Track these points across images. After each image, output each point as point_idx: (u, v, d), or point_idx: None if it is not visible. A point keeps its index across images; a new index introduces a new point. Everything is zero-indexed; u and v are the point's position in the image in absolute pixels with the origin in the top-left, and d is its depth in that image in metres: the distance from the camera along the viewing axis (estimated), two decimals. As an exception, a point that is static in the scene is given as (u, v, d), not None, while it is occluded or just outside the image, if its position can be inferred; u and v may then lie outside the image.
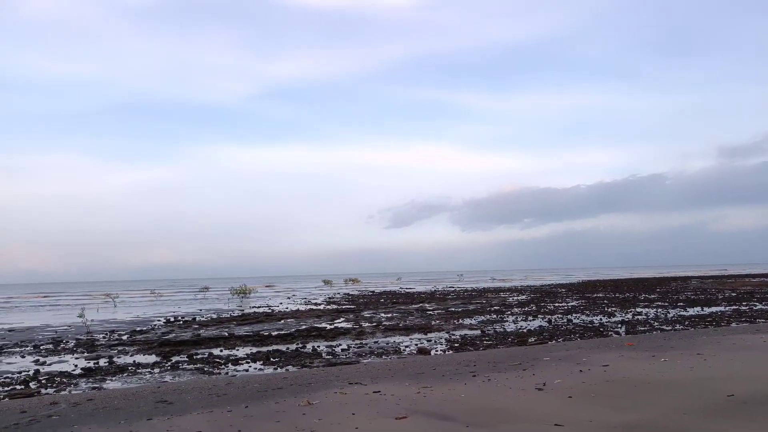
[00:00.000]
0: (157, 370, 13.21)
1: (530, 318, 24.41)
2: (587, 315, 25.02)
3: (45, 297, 72.53)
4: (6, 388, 11.46)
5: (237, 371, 12.86)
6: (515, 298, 41.25)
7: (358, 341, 17.83)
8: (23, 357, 16.43)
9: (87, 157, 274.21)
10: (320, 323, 24.43)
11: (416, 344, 16.71)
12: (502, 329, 20.19)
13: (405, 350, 15.57)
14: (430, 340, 17.62)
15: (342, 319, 26.32)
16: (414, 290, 61.91)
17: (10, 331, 25.35)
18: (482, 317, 25.35)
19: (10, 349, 18.20)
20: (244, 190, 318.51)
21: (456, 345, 16.31)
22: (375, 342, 17.55)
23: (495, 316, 25.95)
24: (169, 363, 14.25)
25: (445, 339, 17.78)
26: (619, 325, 20.27)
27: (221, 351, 16.36)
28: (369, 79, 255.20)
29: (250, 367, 13.47)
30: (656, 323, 20.74)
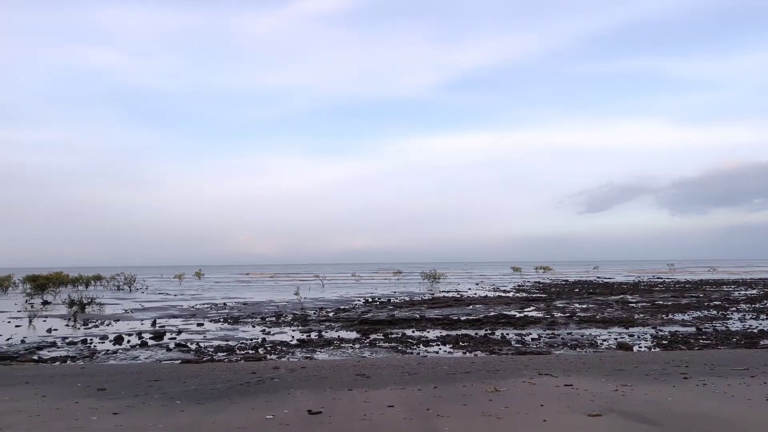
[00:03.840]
0: (357, 346, 14.51)
1: (763, 317, 20.60)
2: None
3: (270, 277, 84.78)
4: (242, 352, 13.77)
5: (427, 352, 13.43)
6: (742, 292, 35.16)
7: (549, 331, 17.14)
8: (254, 327, 19.49)
9: (297, 155, 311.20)
10: (509, 311, 24.07)
11: (615, 338, 15.42)
12: (723, 327, 17.44)
13: (602, 344, 14.48)
14: (632, 335, 16.08)
15: (532, 308, 25.55)
16: (613, 280, 56.98)
17: (244, 304, 30.29)
18: (698, 313, 22.21)
19: (244, 320, 21.78)
20: (433, 179, 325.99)
21: (664, 342, 14.62)
22: (568, 333, 16.67)
23: (715, 312, 22.52)
24: (367, 340, 15.53)
25: (651, 335, 16.04)
26: None
27: (413, 332, 17.23)
28: (556, 57, 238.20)
29: (439, 349, 13.95)
30: None
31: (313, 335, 16.74)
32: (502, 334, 16.54)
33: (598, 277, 64.93)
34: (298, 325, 19.52)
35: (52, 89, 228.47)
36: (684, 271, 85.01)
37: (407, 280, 61.86)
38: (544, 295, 34.24)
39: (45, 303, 31.86)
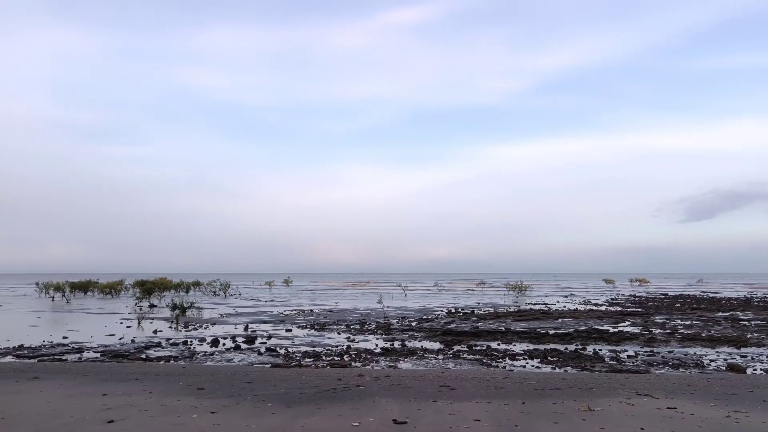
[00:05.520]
0: (440, 357, 14.37)
1: None
2: None
3: (353, 285, 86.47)
4: (328, 358, 14.11)
5: (514, 366, 13.01)
6: None
7: (647, 348, 16.00)
8: (339, 334, 19.92)
9: (379, 164, 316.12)
10: (602, 325, 22.77)
11: (725, 359, 14.08)
12: None
13: (709, 365, 13.28)
14: (744, 356, 14.61)
15: (627, 323, 23.99)
16: (721, 295, 52.19)
17: (330, 311, 31.07)
18: (825, 334, 19.72)
19: (330, 326, 22.33)
20: (517, 186, 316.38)
21: (784, 365, 13.13)
22: (669, 351, 15.46)
23: None
24: (451, 351, 15.33)
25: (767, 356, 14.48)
26: None
27: (498, 345, 16.78)
28: (654, 54, 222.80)
29: (526, 363, 13.47)
30: None
31: (397, 344, 16.79)
32: (594, 349, 15.68)
33: (702, 292, 59.77)
34: (382, 334, 19.69)
35: (150, 107, 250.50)
36: (806, 287, 76.08)
37: (491, 291, 60.50)
38: (640, 310, 32.05)
39: (152, 306, 34.60)
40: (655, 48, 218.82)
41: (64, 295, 44.92)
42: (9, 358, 13.85)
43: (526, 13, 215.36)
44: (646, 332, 20.03)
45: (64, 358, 14.07)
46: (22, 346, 16.09)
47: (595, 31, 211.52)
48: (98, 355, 14.69)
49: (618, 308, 33.70)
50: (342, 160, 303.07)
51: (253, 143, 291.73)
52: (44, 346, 16.25)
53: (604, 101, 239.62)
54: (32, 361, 13.33)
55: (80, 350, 15.45)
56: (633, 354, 14.90)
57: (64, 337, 18.31)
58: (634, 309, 32.93)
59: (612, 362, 13.57)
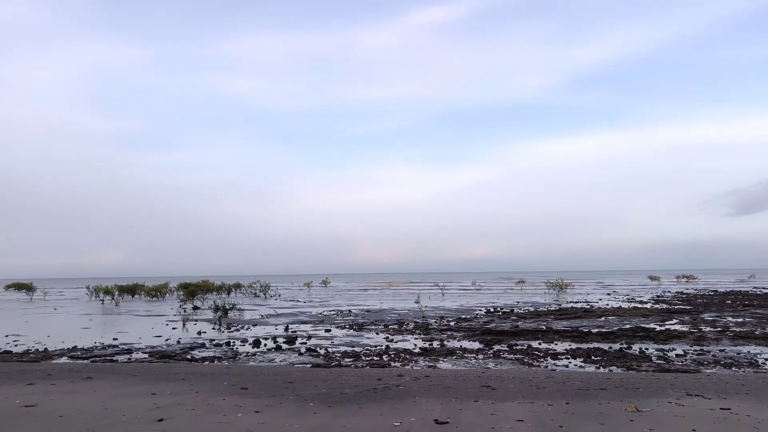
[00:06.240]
0: (480, 357, 14.23)
1: None
2: None
3: (390, 285, 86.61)
4: (367, 358, 14.18)
5: (556, 366, 12.77)
6: None
7: (697, 347, 15.42)
8: (377, 334, 19.99)
9: (414, 164, 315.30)
10: (647, 323, 22.07)
11: (781, 358, 13.42)
12: None
13: (764, 364, 12.69)
14: (803, 355, 13.89)
15: (675, 321, 23.18)
16: (775, 290, 49.76)
17: (368, 311, 31.22)
18: None
19: (368, 327, 22.43)
20: (555, 183, 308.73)
21: None
22: (720, 350, 14.85)
23: None
24: (491, 351, 15.17)
25: (829, 355, 13.73)
26: None
27: (539, 344, 16.49)
28: (697, 45, 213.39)
29: (569, 363, 13.19)
30: None
31: (435, 344, 16.73)
32: (640, 348, 15.22)
33: (755, 288, 57.15)
34: (420, 334, 19.65)
35: (189, 114, 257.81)
36: None
37: (531, 290, 59.52)
38: (688, 307, 30.91)
39: (195, 308, 35.57)
40: (693, 39, 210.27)
41: (113, 298, 46.73)
42: (64, 359, 14.51)
43: (556, 7, 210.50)
44: (695, 330, 19.30)
45: (114, 358, 14.64)
46: (75, 347, 16.83)
47: (629, 23, 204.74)
48: (146, 355, 15.21)
49: (664, 306, 32.61)
50: (376, 161, 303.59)
51: (288, 147, 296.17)
52: (96, 347, 16.94)
53: (641, 95, 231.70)
54: (85, 361, 13.93)
55: (129, 351, 16.04)
56: (682, 353, 14.39)
57: (114, 339, 19.04)
58: (681, 306, 31.80)
59: (659, 361, 13.14)
